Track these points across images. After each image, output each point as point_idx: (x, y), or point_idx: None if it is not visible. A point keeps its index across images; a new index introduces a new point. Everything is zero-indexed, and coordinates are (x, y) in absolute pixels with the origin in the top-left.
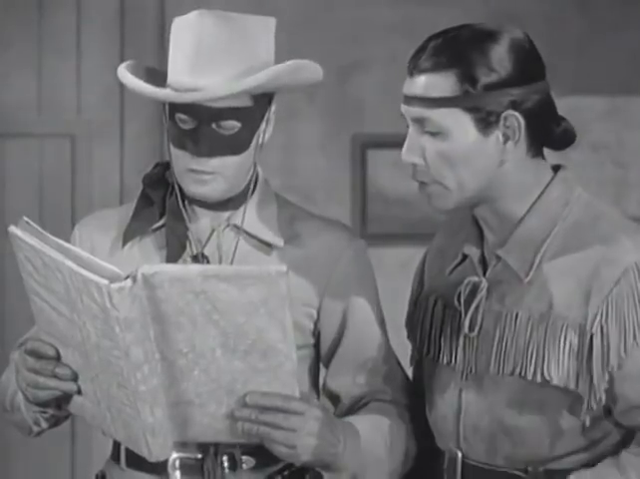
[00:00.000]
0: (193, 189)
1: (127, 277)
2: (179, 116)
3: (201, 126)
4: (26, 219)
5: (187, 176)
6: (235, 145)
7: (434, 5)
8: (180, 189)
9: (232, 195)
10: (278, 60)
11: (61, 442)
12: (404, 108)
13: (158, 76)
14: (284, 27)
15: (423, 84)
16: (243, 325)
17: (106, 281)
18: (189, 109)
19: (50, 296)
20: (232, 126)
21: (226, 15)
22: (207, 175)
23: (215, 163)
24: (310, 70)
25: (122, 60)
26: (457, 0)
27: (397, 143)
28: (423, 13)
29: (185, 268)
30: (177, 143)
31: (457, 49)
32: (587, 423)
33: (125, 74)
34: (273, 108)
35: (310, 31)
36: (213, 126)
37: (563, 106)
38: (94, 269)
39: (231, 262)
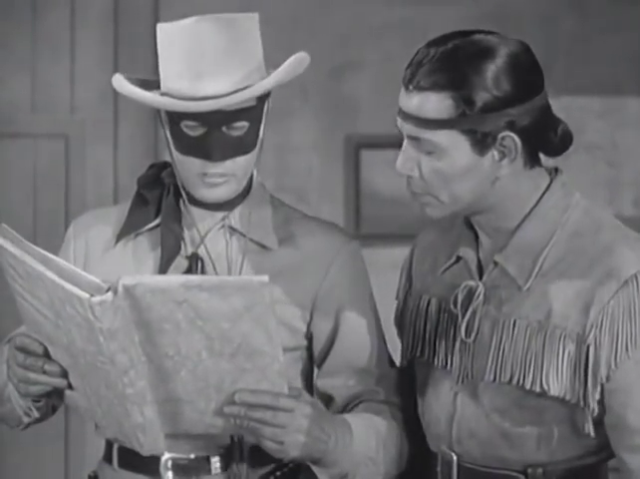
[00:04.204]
0: (205, 193)
1: (108, 290)
2: (187, 123)
3: (212, 131)
4: (4, 225)
5: (199, 180)
6: (245, 144)
7: (427, 5)
8: (177, 190)
9: (237, 194)
10: (272, 60)
11: (54, 443)
12: (399, 122)
13: (150, 85)
14: (278, 27)
15: (419, 103)
16: (228, 331)
17: (87, 295)
18: (198, 115)
19: (34, 300)
20: (242, 126)
21: (221, 18)
22: (220, 178)
23: (228, 165)
24: (307, 61)
25: (116, 60)
26: (450, 1)
27: (391, 143)
28: (417, 13)
29: (167, 279)
30: (185, 149)
31: (454, 69)
32: (592, 433)
33: (125, 85)
34: (270, 103)
35: (304, 31)
36: (224, 129)
37: (557, 106)
38: (75, 281)
39: (225, 263)
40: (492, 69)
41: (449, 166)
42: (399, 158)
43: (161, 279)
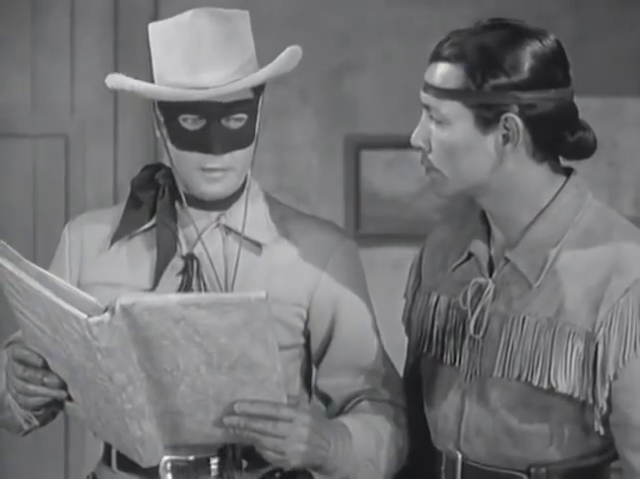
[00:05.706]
0: (204, 188)
1: (105, 310)
2: (185, 116)
3: (211, 123)
4: (3, 242)
5: (199, 175)
6: (243, 137)
7: (427, 5)
8: (172, 191)
9: (234, 191)
10: (272, 59)
11: (54, 443)
12: (421, 93)
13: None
14: (277, 27)
15: (434, 72)
16: (226, 345)
17: (84, 316)
18: (197, 108)
19: (32, 316)
20: (240, 119)
21: (216, 12)
22: (220, 172)
23: (227, 158)
24: (299, 54)
25: (116, 60)
26: (450, 1)
27: (390, 143)
28: (416, 14)
29: (164, 298)
30: (184, 144)
31: (475, 45)
32: (602, 431)
33: (125, 80)
34: (264, 98)
35: (303, 31)
36: (222, 122)
37: None
38: (72, 300)
39: (221, 263)
40: (513, 52)
41: (452, 138)
42: (415, 129)
43: (159, 298)
